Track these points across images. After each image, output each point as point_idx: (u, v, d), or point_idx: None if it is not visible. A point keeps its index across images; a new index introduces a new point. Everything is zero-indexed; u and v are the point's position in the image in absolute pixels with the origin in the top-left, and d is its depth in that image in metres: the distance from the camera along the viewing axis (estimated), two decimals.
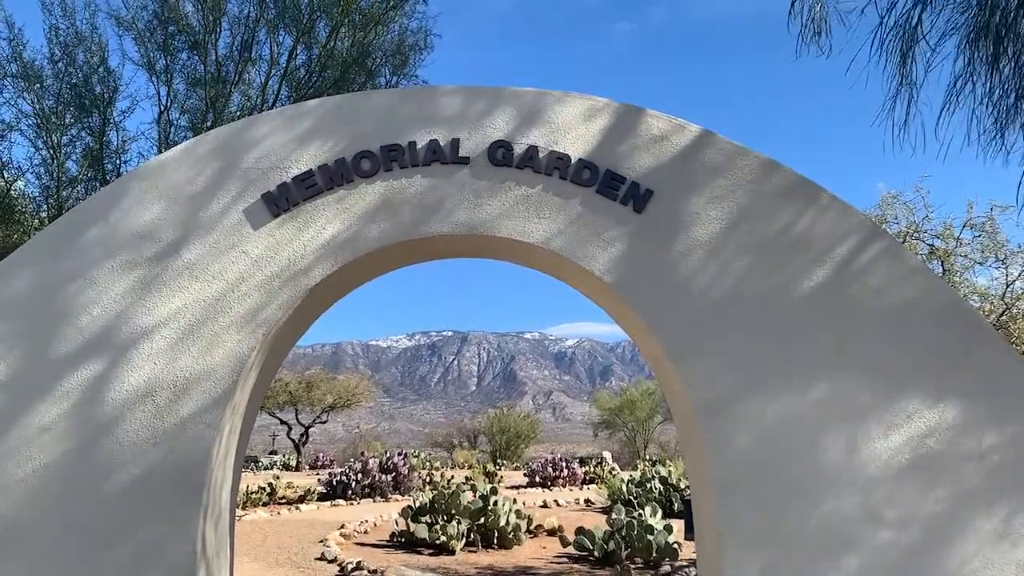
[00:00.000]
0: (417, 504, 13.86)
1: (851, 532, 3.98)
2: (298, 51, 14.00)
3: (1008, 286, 10.63)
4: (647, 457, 38.37)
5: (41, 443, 4.07)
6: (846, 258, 4.31)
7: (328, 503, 20.30)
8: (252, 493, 19.55)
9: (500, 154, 4.53)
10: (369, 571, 10.07)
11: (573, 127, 4.58)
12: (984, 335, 4.23)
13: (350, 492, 21.19)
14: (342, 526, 14.43)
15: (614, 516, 11.96)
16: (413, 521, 13.11)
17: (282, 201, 4.46)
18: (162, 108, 13.76)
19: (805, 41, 5.39)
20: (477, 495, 13.26)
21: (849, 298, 4.26)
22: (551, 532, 13.95)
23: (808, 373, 4.17)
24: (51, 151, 13.48)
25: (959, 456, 4.05)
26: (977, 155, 5.33)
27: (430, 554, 11.93)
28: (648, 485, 18.13)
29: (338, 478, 21.87)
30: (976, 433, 4.08)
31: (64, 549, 3.97)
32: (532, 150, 4.53)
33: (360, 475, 21.71)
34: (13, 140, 13.75)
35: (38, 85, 13.28)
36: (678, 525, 11.69)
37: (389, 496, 21.60)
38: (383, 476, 22.07)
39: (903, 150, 5.34)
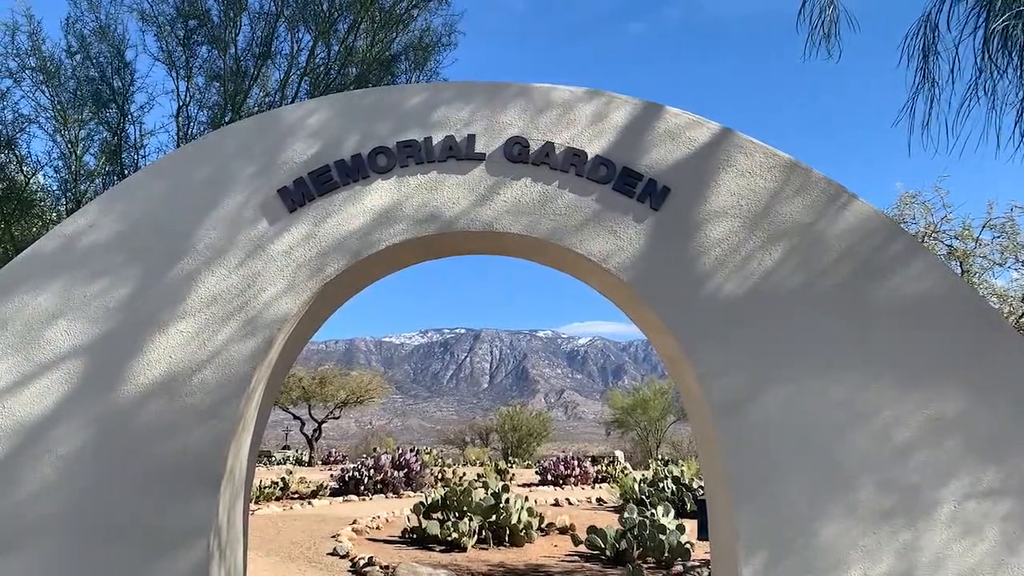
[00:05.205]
0: (429, 501, 13.87)
1: (869, 532, 3.94)
2: (318, 48, 14.02)
3: None
4: (659, 456, 38.22)
5: (57, 436, 4.09)
6: (865, 256, 4.26)
7: (340, 499, 20.34)
8: (265, 488, 19.64)
9: (516, 150, 4.51)
10: (381, 567, 10.08)
11: (590, 123, 4.55)
12: (1004, 334, 4.18)
13: (362, 488, 21.24)
14: (354, 522, 14.45)
15: (626, 515, 11.91)
16: (425, 518, 13.12)
17: (298, 196, 4.46)
18: (181, 103, 13.83)
19: (815, 43, 5.33)
20: (489, 493, 13.25)
21: (867, 297, 4.22)
22: (563, 531, 13.92)
23: (826, 372, 4.13)
24: (69, 145, 13.58)
25: (978, 455, 4.00)
26: (997, 155, 5.25)
27: (441, 551, 11.93)
28: (660, 484, 18.06)
29: (350, 474, 21.92)
30: (996, 433, 4.03)
31: (79, 541, 4.00)
32: (548, 146, 4.50)
33: (372, 471, 21.74)
34: (32, 134, 13.88)
35: (56, 79, 13.37)
36: (690, 525, 11.63)
37: (401, 492, 21.63)
38: (395, 472, 22.11)
39: (925, 149, 5.25)
